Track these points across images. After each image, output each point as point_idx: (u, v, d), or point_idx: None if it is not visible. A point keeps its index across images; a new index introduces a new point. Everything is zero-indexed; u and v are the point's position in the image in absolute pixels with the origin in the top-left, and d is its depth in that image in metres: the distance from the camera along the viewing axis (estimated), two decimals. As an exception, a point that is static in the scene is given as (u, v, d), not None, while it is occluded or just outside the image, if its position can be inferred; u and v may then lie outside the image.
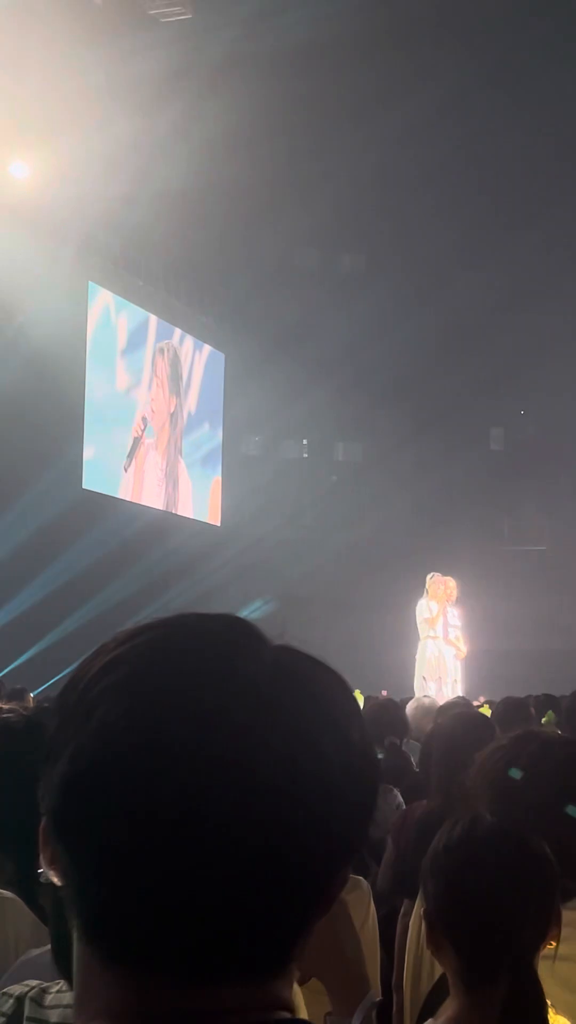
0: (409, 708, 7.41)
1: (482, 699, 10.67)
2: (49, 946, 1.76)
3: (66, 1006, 1.53)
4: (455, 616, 14.20)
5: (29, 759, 2.59)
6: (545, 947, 1.90)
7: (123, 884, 0.86)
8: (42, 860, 0.91)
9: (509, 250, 20.89)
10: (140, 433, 20.33)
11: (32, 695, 10.24)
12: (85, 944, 0.89)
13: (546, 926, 1.90)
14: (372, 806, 0.94)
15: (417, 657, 14.04)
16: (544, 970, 1.91)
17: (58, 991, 1.58)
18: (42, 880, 0.91)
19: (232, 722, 0.86)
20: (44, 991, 1.59)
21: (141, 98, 16.27)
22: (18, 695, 9.16)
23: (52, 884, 0.92)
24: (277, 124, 18.09)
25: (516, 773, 2.35)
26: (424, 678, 13.68)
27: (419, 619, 14.00)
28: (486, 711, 7.98)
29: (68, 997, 1.54)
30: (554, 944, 1.90)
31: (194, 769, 0.84)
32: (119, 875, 0.85)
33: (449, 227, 20.61)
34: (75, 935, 0.90)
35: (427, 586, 14.10)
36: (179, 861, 0.84)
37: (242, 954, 0.87)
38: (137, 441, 20.21)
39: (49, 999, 1.57)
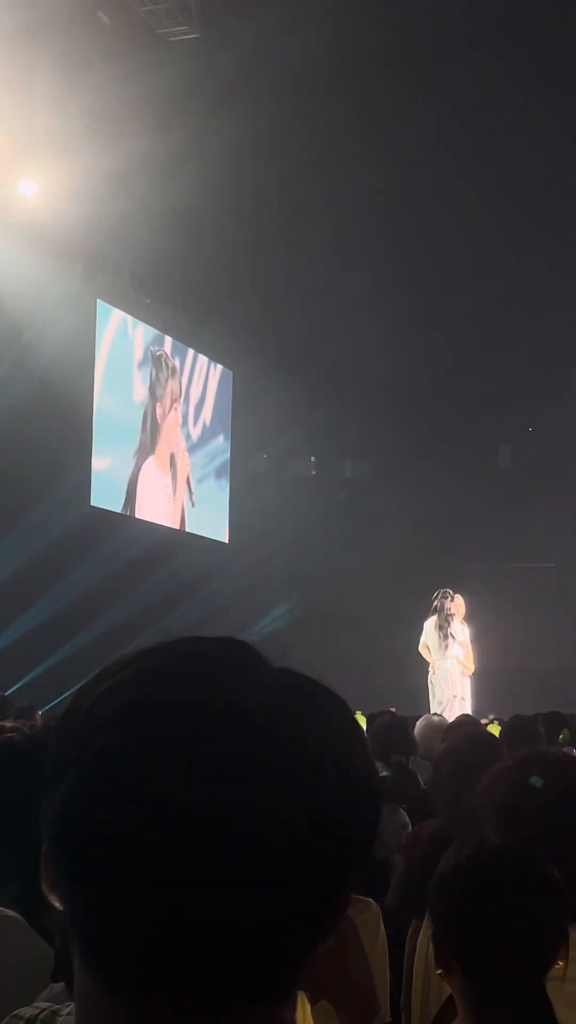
0: (418, 726, 7.40)
1: (491, 717, 10.66)
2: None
3: None
4: (464, 633, 14.17)
5: (33, 778, 2.59)
6: (553, 968, 1.89)
7: (122, 911, 0.85)
8: (43, 885, 0.91)
9: (517, 267, 20.91)
10: (148, 450, 20.34)
11: (40, 712, 10.25)
12: (85, 969, 0.89)
13: (555, 948, 1.89)
14: (374, 831, 0.93)
15: (431, 676, 14.01)
16: (553, 991, 1.90)
17: (68, 1013, 1.57)
18: (48, 900, 0.91)
19: (232, 748, 0.85)
20: (55, 1013, 1.59)
21: (149, 117, 16.33)
22: (26, 712, 9.17)
23: (58, 910, 0.91)
24: (285, 142, 18.14)
25: (537, 781, 2.34)
26: (444, 696, 13.67)
27: (433, 639, 13.97)
28: (495, 729, 7.97)
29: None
30: (562, 965, 1.89)
31: (194, 796, 0.84)
32: (118, 902, 0.85)
33: (457, 244, 20.61)
34: (76, 960, 0.90)
35: (441, 607, 14.07)
36: (179, 888, 0.84)
37: (244, 979, 0.87)
38: (144, 458, 20.22)
39: (60, 1021, 1.57)
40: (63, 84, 15.57)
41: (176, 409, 21.50)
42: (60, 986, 1.79)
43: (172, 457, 21.21)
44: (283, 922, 0.87)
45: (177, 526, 21.36)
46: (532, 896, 1.89)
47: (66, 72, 15.61)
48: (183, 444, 21.67)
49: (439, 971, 1.90)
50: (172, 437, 21.24)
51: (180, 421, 21.65)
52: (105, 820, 0.85)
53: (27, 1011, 1.60)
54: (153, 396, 20.67)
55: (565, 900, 1.93)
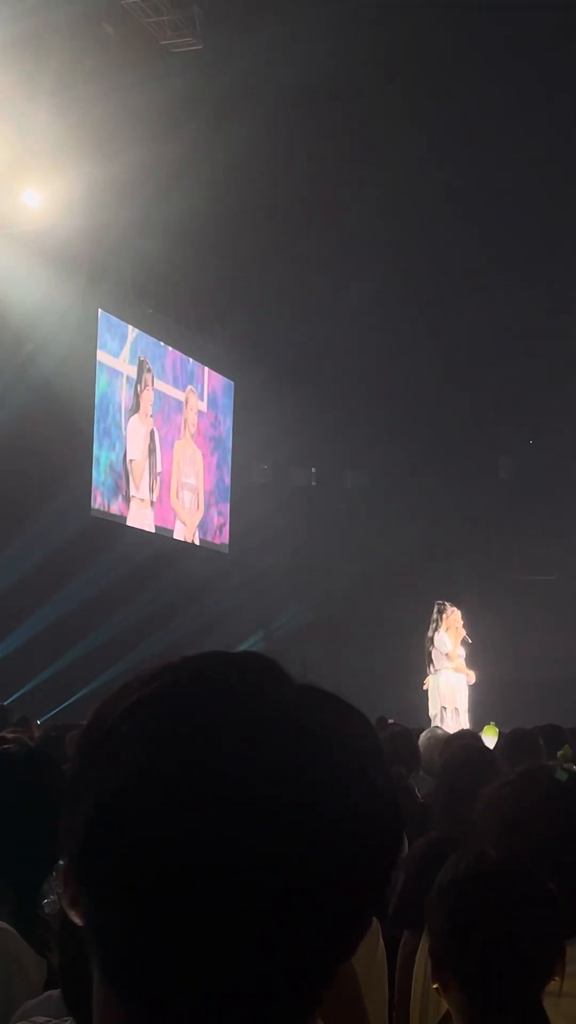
0: (422, 739, 7.39)
1: (492, 723, 10.62)
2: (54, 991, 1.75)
3: None
4: (447, 644, 14.19)
5: (32, 790, 2.58)
6: (550, 984, 1.88)
7: (147, 929, 0.84)
8: (63, 901, 0.91)
9: (518, 280, 20.92)
10: (148, 460, 20.35)
11: (39, 722, 10.24)
12: (106, 987, 0.89)
13: (552, 963, 1.88)
14: (397, 851, 0.93)
15: (431, 688, 14.01)
16: (549, 1007, 1.89)
17: None
18: (46, 911, 0.90)
19: (259, 765, 0.85)
20: None
21: (152, 127, 16.37)
22: (22, 725, 9.16)
23: (57, 918, 0.91)
24: (287, 153, 18.18)
25: (562, 775, 2.34)
26: (443, 708, 13.67)
27: (435, 651, 13.98)
28: (492, 731, 7.97)
29: None
30: (558, 980, 1.88)
31: (220, 814, 0.84)
32: (143, 920, 0.84)
33: (457, 257, 20.65)
34: (95, 977, 0.89)
35: (442, 617, 14.08)
36: (205, 906, 0.83)
37: (267, 999, 0.86)
38: (142, 464, 20.22)
39: None
40: (67, 95, 15.61)
41: (182, 422, 21.52)
42: (55, 995, 1.78)
43: (173, 466, 21.21)
44: (309, 940, 0.86)
45: (178, 536, 21.35)
46: (529, 911, 1.88)
47: (70, 83, 15.65)
48: (183, 453, 21.67)
49: (436, 986, 1.89)
50: (175, 447, 21.25)
51: (183, 433, 21.66)
52: (131, 838, 0.85)
53: None
54: (154, 405, 20.67)
55: (563, 915, 1.91)
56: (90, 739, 0.92)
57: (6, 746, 3.10)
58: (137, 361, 20.20)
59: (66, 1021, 1.58)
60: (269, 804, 0.84)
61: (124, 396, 19.87)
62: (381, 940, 2.75)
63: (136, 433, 20.06)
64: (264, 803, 0.84)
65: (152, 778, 0.85)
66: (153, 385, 20.58)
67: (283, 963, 0.86)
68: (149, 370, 20.46)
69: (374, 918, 2.88)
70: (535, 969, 1.85)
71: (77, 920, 0.89)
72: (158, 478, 20.64)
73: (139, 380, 20.20)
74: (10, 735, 6.77)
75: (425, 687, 14.18)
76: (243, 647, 20.49)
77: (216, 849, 0.83)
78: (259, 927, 0.84)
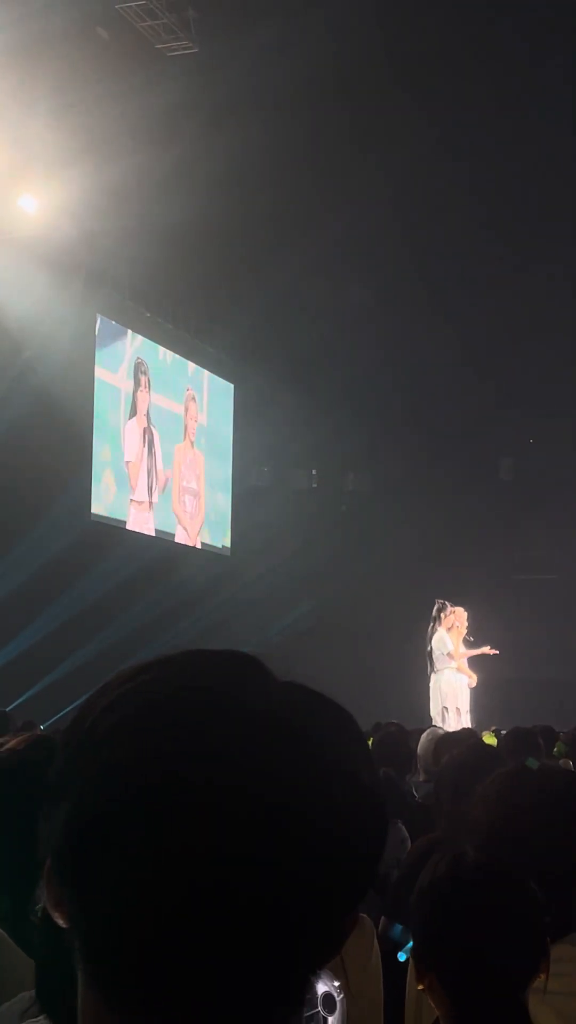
0: (422, 739, 7.38)
1: (493, 728, 10.62)
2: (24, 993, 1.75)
3: None
4: (447, 644, 14.17)
5: (24, 796, 2.58)
6: (535, 982, 1.86)
7: (130, 928, 0.84)
8: (47, 902, 0.90)
9: (518, 280, 20.92)
10: (148, 464, 20.34)
11: (42, 727, 10.23)
12: (90, 988, 0.88)
13: (534, 961, 1.86)
14: (380, 848, 0.92)
15: (432, 688, 13.98)
16: (543, 1005, 1.88)
17: None
18: (35, 916, 0.89)
19: (238, 761, 0.84)
20: None
21: (149, 131, 16.38)
22: (27, 729, 9.15)
23: (39, 920, 0.90)
24: (284, 155, 18.18)
25: (533, 763, 2.33)
26: (445, 708, 13.65)
27: (437, 651, 13.94)
28: (491, 739, 7.96)
29: None
30: (544, 977, 1.86)
31: (199, 812, 0.83)
32: (126, 919, 0.84)
33: (458, 258, 20.66)
34: (80, 979, 0.88)
35: (441, 617, 14.05)
36: (189, 905, 0.82)
37: (251, 999, 0.85)
38: (138, 466, 20.22)
39: None
40: (63, 100, 15.62)
41: (182, 425, 21.52)
42: (28, 995, 1.78)
43: (173, 470, 21.21)
44: (290, 941, 0.85)
45: (179, 540, 21.35)
46: (507, 911, 1.86)
47: (65, 88, 15.66)
48: (184, 457, 21.67)
49: (420, 987, 1.88)
50: (175, 452, 21.25)
51: (183, 437, 21.66)
52: (110, 837, 0.84)
53: None
54: (154, 408, 20.67)
55: (544, 914, 1.90)
56: (72, 736, 0.91)
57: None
58: (134, 363, 20.20)
59: (39, 1020, 1.57)
60: (250, 802, 0.84)
61: (123, 400, 19.87)
62: (376, 943, 2.74)
63: (132, 435, 20.05)
64: (245, 801, 0.83)
65: (131, 774, 0.84)
66: (150, 388, 20.57)
67: (267, 963, 0.85)
68: (145, 372, 20.45)
69: (367, 918, 2.88)
70: (516, 969, 1.83)
71: (61, 922, 0.88)
72: (157, 481, 20.63)
73: (135, 382, 20.20)
74: (12, 741, 6.75)
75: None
76: (244, 650, 20.40)
77: (196, 848, 0.82)
78: (245, 925, 0.83)
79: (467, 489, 23.14)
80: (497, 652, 14.25)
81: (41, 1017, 1.57)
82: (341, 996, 0.91)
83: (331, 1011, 0.93)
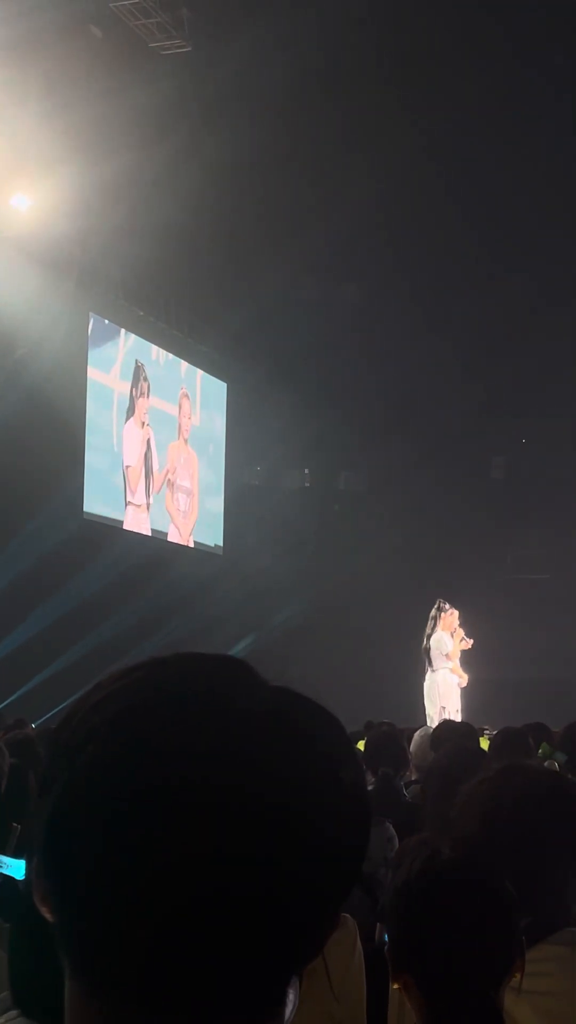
0: (416, 737, 7.38)
1: (484, 730, 10.62)
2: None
3: None
4: (446, 643, 14.18)
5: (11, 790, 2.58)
6: (511, 981, 1.86)
7: (110, 923, 0.84)
8: (34, 897, 0.91)
9: (510, 279, 20.94)
10: (141, 463, 20.33)
11: (33, 726, 10.24)
12: (74, 980, 0.89)
13: (507, 962, 1.86)
14: (363, 849, 0.93)
15: (428, 687, 13.99)
16: (526, 1005, 1.88)
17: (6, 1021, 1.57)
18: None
19: (221, 763, 0.85)
20: None
21: (141, 129, 16.36)
22: (18, 727, 9.16)
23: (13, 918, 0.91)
24: (277, 154, 18.18)
25: (552, 753, 2.32)
26: (443, 707, 13.67)
27: (434, 651, 13.94)
28: (484, 742, 7.95)
29: None
30: (519, 976, 1.86)
31: (181, 810, 0.84)
32: (106, 913, 0.85)
33: (450, 257, 20.67)
34: (66, 972, 0.89)
35: (441, 615, 14.06)
36: (167, 901, 0.83)
37: (232, 994, 0.86)
38: (138, 470, 20.22)
39: None
40: (55, 98, 15.60)
41: (174, 424, 21.52)
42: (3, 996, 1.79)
43: (167, 470, 21.20)
44: (272, 938, 0.86)
45: (171, 538, 21.34)
46: (480, 910, 1.86)
47: (58, 85, 15.65)
48: (176, 455, 21.65)
49: (395, 985, 1.88)
50: (168, 450, 21.23)
51: (176, 435, 21.65)
52: (91, 833, 0.85)
53: None
54: (152, 410, 20.66)
55: (518, 913, 1.89)
56: (61, 734, 0.92)
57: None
58: (133, 366, 20.19)
59: (13, 1016, 1.58)
60: (234, 801, 0.84)
61: (115, 400, 19.85)
62: (359, 941, 2.75)
63: (132, 439, 20.04)
64: (229, 800, 0.84)
65: (112, 772, 0.86)
66: (149, 394, 20.56)
67: (248, 958, 0.86)
68: (146, 379, 20.45)
69: (350, 918, 2.88)
70: (489, 968, 1.83)
71: (48, 916, 0.89)
72: (154, 484, 20.63)
73: (135, 386, 20.19)
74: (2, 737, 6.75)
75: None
76: (237, 649, 20.58)
77: (178, 846, 0.83)
78: (224, 922, 0.84)
79: (459, 489, 23.16)
80: (471, 642, 14.23)
81: (13, 1012, 1.57)
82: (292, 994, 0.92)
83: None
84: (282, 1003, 0.90)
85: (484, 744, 7.88)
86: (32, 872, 0.92)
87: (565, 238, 19.97)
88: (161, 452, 20.96)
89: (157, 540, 20.65)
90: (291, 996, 0.91)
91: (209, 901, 0.83)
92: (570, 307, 20.91)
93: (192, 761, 0.85)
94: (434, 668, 13.94)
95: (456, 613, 14.19)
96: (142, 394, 20.34)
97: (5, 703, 14.54)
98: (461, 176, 19.46)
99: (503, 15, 16.54)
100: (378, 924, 3.88)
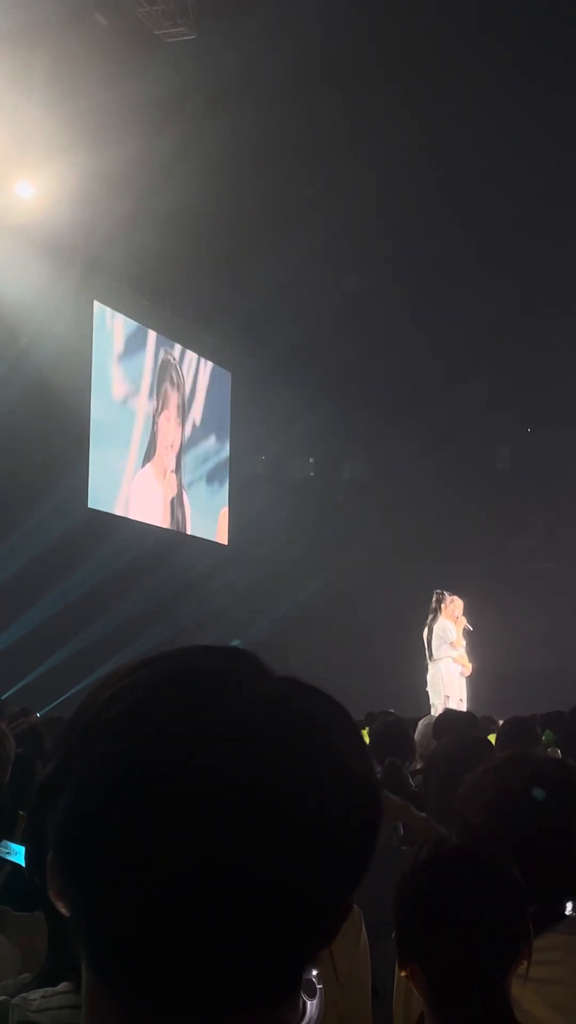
0: (420, 726, 7.39)
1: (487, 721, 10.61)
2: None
3: (58, 1008, 1.52)
4: (450, 632, 14.16)
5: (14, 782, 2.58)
6: (517, 968, 1.86)
7: (129, 917, 0.86)
8: (50, 892, 0.92)
9: (514, 268, 20.90)
10: (146, 453, 20.34)
11: (38, 715, 10.26)
12: (93, 974, 0.90)
13: (515, 948, 1.86)
14: (374, 838, 0.94)
15: (432, 676, 13.98)
16: (529, 992, 1.87)
17: (43, 997, 1.57)
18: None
19: (234, 754, 0.86)
20: (26, 998, 1.59)
21: (146, 118, 16.33)
22: (24, 715, 9.18)
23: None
24: (281, 143, 18.15)
25: (539, 794, 2.33)
26: (447, 696, 13.67)
27: (437, 640, 13.93)
28: (492, 739, 7.94)
29: (57, 1001, 1.53)
30: (526, 964, 1.86)
31: (197, 803, 0.85)
32: (125, 908, 0.86)
33: (454, 246, 20.62)
34: (83, 965, 0.91)
35: (441, 606, 14.04)
36: (185, 893, 0.84)
37: (249, 984, 0.88)
38: (143, 460, 20.22)
39: (35, 1004, 1.57)
40: (60, 86, 15.57)
41: (174, 410, 21.50)
42: (25, 977, 1.78)
43: (170, 458, 21.20)
44: (286, 927, 0.88)
45: (175, 528, 21.34)
46: (487, 897, 1.86)
47: (63, 74, 15.61)
48: (181, 445, 21.65)
49: (403, 973, 1.88)
50: (172, 440, 21.23)
51: (178, 422, 21.64)
52: (109, 827, 0.86)
53: None
54: (151, 397, 20.65)
55: (525, 900, 1.89)
56: (71, 731, 0.93)
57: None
58: (138, 354, 20.19)
59: (38, 991, 1.58)
60: (246, 792, 0.86)
61: (119, 388, 19.84)
62: (364, 929, 2.75)
63: (137, 427, 20.06)
64: (241, 791, 0.86)
65: (129, 768, 0.87)
66: (153, 382, 20.56)
67: (262, 948, 0.87)
68: (151, 367, 20.43)
69: (356, 907, 2.87)
70: (496, 955, 1.83)
71: (63, 911, 0.90)
72: (156, 469, 20.63)
73: (140, 374, 20.19)
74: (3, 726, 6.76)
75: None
76: (242, 639, 20.60)
77: (194, 837, 0.84)
78: (241, 912, 0.85)
79: (464, 478, 23.14)
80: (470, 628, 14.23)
81: (63, 984, 1.58)
82: (320, 986, 0.93)
83: (311, 996, 0.96)
84: (296, 989, 0.92)
85: (493, 740, 7.88)
86: (47, 867, 0.92)
87: (569, 226, 19.93)
88: (168, 442, 20.96)
89: (161, 530, 20.65)
90: (316, 999, 0.91)
91: (229, 891, 0.85)
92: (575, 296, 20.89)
93: (204, 751, 0.86)
94: (435, 658, 13.92)
95: (459, 601, 14.16)
96: (146, 382, 20.32)
97: (10, 692, 14.56)
98: (466, 164, 19.43)
99: (504, 10, 16.52)
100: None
